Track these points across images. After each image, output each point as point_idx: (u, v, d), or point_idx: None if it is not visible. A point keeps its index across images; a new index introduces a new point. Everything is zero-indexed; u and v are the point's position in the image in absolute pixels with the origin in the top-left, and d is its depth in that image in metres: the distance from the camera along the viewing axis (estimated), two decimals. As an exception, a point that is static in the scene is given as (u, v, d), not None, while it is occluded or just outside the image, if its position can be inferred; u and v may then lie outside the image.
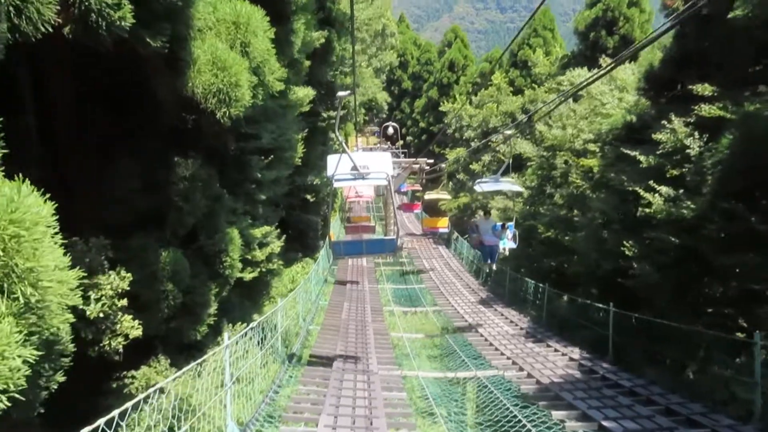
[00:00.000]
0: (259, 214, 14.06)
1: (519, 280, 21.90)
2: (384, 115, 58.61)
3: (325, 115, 26.55)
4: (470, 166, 33.45)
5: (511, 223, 14.87)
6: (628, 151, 13.57)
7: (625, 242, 13.13)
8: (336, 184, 11.01)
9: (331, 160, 10.63)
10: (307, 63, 18.91)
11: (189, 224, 10.41)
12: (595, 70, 20.10)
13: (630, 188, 13.29)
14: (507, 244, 14.58)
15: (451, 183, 29.88)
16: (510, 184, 13.57)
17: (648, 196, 12.31)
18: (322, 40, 17.88)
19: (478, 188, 13.13)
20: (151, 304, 9.96)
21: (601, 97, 17.97)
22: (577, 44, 28.34)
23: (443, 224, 30.86)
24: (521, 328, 17.78)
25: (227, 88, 8.68)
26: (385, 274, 30.07)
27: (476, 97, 35.76)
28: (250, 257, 13.09)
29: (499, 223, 15.10)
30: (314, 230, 29.60)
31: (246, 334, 10.29)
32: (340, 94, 10.23)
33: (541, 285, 18.53)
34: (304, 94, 17.89)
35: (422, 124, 59.43)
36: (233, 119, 9.20)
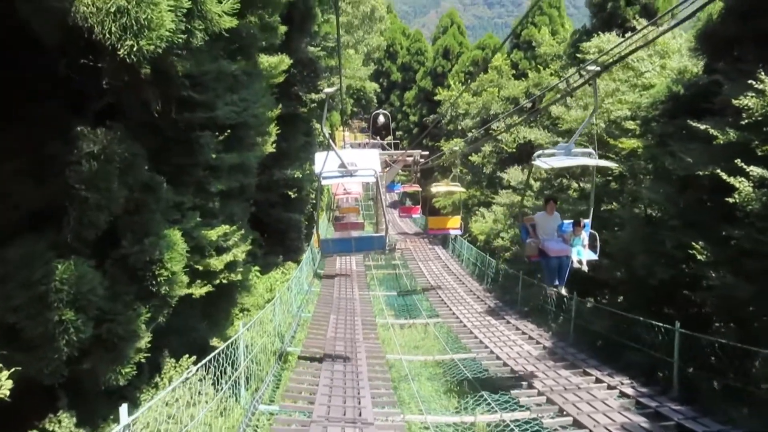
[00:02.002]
0: (216, 210, 10.81)
1: (535, 285, 18.77)
2: (374, 107, 55.21)
3: (306, 98, 23.31)
4: (469, 158, 30.34)
5: (588, 221, 9.72)
6: (697, 125, 10.42)
7: (694, 243, 10.04)
8: (324, 182, 10.83)
9: (319, 157, 10.37)
10: (283, 28, 15.74)
11: (101, 223, 7.18)
12: (630, 35, 17.12)
13: (700, 172, 10.19)
14: (584, 254, 9.53)
15: (459, 171, 25.89)
16: (589, 156, 8.37)
17: (733, 181, 9.20)
18: (298, -4, 14.72)
19: (540, 164, 8.09)
20: (40, 341, 6.85)
21: (638, 65, 14.85)
22: (590, 17, 25.28)
23: (454, 224, 24.21)
24: (544, 347, 14.67)
25: (133, 7, 5.46)
26: (377, 277, 26.88)
27: (474, 84, 32.56)
28: (200, 267, 9.84)
29: (569, 222, 10.12)
30: (297, 230, 26.34)
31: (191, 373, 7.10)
32: (327, 90, 9.61)
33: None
34: (277, 60, 14.67)
35: (413, 117, 56.15)
36: (150, 60, 5.99)
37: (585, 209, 16.04)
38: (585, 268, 9.43)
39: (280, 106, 17.60)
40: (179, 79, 8.15)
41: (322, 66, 24.38)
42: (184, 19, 6.52)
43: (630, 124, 14.36)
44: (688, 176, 10.86)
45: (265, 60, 14.79)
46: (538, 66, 30.07)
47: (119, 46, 5.50)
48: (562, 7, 37.26)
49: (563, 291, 10.02)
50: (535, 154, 8.19)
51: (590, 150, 8.26)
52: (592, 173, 10.16)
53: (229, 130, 10.24)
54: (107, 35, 5.50)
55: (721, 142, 9.76)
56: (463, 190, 24.89)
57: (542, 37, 31.24)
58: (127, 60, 5.56)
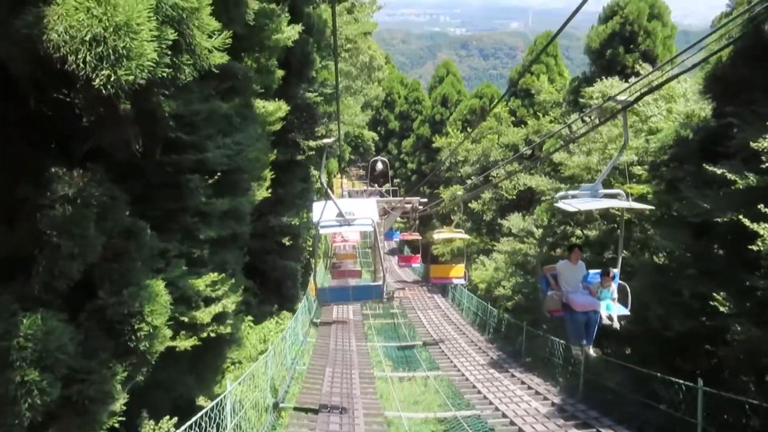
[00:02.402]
0: (205, 258, 10.16)
1: (541, 337, 17.95)
2: (372, 155, 55.17)
3: (304, 145, 22.96)
4: (469, 204, 29.87)
5: (617, 270, 8.58)
6: (713, 168, 9.93)
7: (715, 294, 9.40)
8: (322, 231, 10.77)
9: (317, 206, 10.42)
10: (280, 72, 15.45)
11: (74, 273, 6.54)
12: (636, 79, 16.87)
13: (719, 219, 9.64)
14: (615, 308, 8.44)
15: (459, 218, 25.14)
16: (618, 198, 7.46)
17: (756, 227, 8.63)
18: (296, 36, 14.38)
19: (564, 207, 7.07)
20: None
21: (644, 109, 14.51)
22: (589, 64, 25.23)
23: (458, 273, 22.77)
24: (553, 404, 13.82)
25: (110, 35, 4.99)
26: (375, 327, 25.99)
27: (471, 131, 32.40)
28: (186, 319, 9.14)
29: (595, 272, 8.98)
30: (293, 278, 25.60)
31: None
32: (325, 141, 9.85)
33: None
34: (274, 107, 14.31)
35: (411, 165, 56.11)
36: (131, 95, 5.51)
37: (611, 258, 15.51)
38: (616, 324, 8.40)
39: (276, 151, 17.22)
40: (166, 118, 7.66)
41: (320, 112, 24.14)
42: (170, 52, 6.08)
43: (637, 170, 13.90)
44: (703, 222, 10.31)
45: (262, 105, 14.44)
46: (536, 113, 29.98)
47: (94, 76, 5.00)
48: (559, 56, 37.52)
49: (591, 351, 8.81)
50: (557, 195, 7.41)
51: (619, 191, 7.50)
52: (620, 217, 9.00)
53: (219, 174, 9.70)
54: (81, 65, 5.01)
55: (741, 186, 9.24)
56: (467, 236, 23.92)
57: (541, 84, 31.22)
58: (103, 91, 5.05)
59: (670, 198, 11.82)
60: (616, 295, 8.62)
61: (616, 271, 8.66)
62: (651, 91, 8.49)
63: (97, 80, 5.03)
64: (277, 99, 15.28)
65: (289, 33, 13.87)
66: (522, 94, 35.20)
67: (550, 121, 28.76)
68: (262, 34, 12.31)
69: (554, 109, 29.67)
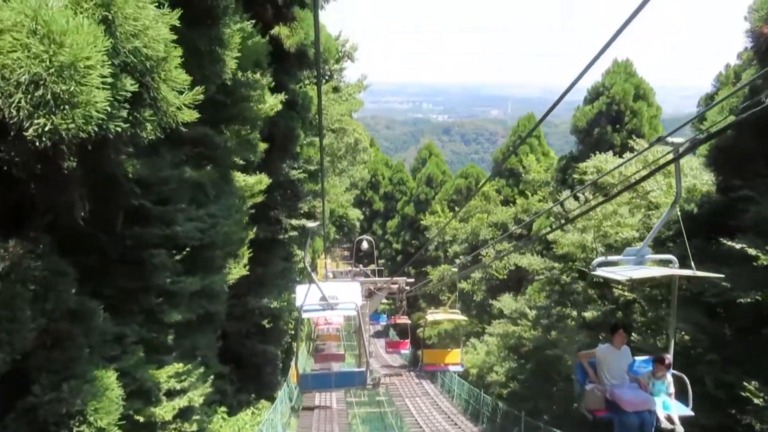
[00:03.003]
0: (170, 344, 8.98)
1: (543, 429, 16.52)
2: (357, 233, 54.49)
3: (286, 223, 22.09)
4: (459, 284, 28.88)
5: (670, 356, 6.90)
6: (732, 243, 9.17)
7: (746, 384, 8.38)
8: (304, 315, 10.55)
9: (300, 289, 10.10)
10: (263, 146, 14.78)
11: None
12: (627, 155, 16.46)
13: (742, 300, 8.77)
14: (674, 407, 6.74)
15: (447, 299, 23.94)
16: (675, 266, 6.45)
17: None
18: (279, 107, 13.80)
19: (604, 275, 5.83)
20: None
21: (643, 184, 13.95)
22: (576, 143, 25.16)
23: (454, 359, 20.51)
24: None
25: (51, 77, 4.16)
26: (360, 416, 24.23)
27: (460, 209, 31.95)
28: (142, 418, 7.86)
29: (644, 358, 7.31)
30: (272, 364, 23.97)
31: None
32: (309, 225, 9.89)
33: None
34: (255, 180, 13.55)
35: (396, 245, 55.44)
36: (78, 151, 4.64)
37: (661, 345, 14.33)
38: (680, 429, 6.60)
39: (257, 228, 16.33)
40: (128, 183, 6.78)
41: (304, 190, 23.49)
42: (128, 106, 5.28)
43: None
44: (721, 302, 9.44)
45: (242, 178, 13.69)
46: (522, 193, 29.77)
47: (27, 124, 4.14)
48: (542, 136, 37.80)
49: None
50: (595, 262, 6.16)
51: (670, 257, 6.38)
52: (673, 290, 7.21)
53: (189, 249, 8.72)
54: (14, 112, 4.15)
55: (765, 262, 8.44)
56: (465, 318, 22.22)
57: (529, 164, 31.15)
58: (37, 143, 4.17)
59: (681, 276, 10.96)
60: (672, 389, 6.99)
61: (668, 356, 7.00)
62: (707, 139, 7.70)
63: (31, 130, 4.16)
64: (258, 172, 14.57)
65: (272, 102, 13.28)
66: (507, 173, 35.16)
67: (539, 200, 28.43)
68: (242, 103, 11.68)
69: (542, 188, 29.44)
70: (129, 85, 5.18)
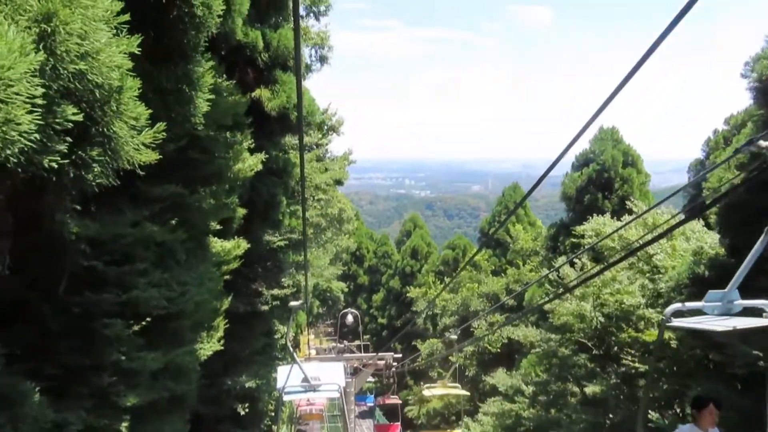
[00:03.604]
0: (123, 433, 7.68)
1: None
2: (342, 306, 52.94)
3: (267, 295, 20.87)
4: (449, 358, 27.47)
5: None
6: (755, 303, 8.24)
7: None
8: (286, 397, 10.79)
9: (281, 371, 10.49)
10: (242, 211, 13.91)
11: None
12: (626, 218, 15.78)
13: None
14: None
15: (437, 374, 22.45)
16: None
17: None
18: (259, 167, 12.97)
19: (684, 326, 4.88)
20: None
21: (646, 248, 13.18)
22: (566, 210, 24.66)
23: None
24: None
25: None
26: None
27: (449, 280, 31.01)
28: None
29: None
30: (250, 451, 22.10)
31: None
32: (292, 304, 9.62)
33: None
34: (232, 245, 12.55)
35: (381, 320, 53.91)
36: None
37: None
38: None
39: (234, 300, 15.17)
40: (74, 241, 5.78)
41: (286, 261, 22.43)
42: (70, 140, 4.40)
43: (648, 313, 12.20)
44: (752, 373, 8.43)
45: (219, 245, 12.69)
46: (510, 262, 29.03)
47: None
48: (528, 206, 37.54)
49: None
50: (668, 310, 4.97)
51: (763, 303, 4.92)
52: None
53: (149, 319, 7.58)
54: None
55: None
56: (466, 392, 20.59)
57: (516, 233, 30.53)
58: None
59: (699, 343, 9.99)
60: None
61: None
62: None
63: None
64: (236, 237, 13.60)
65: (252, 162, 12.46)
66: (493, 244, 34.53)
67: (530, 270, 27.63)
68: (219, 161, 10.85)
69: (531, 257, 28.73)
70: (71, 114, 4.32)
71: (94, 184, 4.68)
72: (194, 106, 6.57)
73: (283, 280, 22.30)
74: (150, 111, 5.12)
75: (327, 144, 27.33)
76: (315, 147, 28.62)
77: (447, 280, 32.16)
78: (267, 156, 15.19)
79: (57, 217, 5.37)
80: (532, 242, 29.24)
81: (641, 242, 12.37)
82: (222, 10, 6.45)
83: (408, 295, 38.91)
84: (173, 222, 8.85)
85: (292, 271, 23.44)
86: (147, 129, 5.22)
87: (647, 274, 13.15)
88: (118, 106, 4.85)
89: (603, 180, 22.89)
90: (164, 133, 5.30)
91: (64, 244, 5.55)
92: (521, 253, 28.81)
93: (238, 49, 13.66)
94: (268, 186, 16.77)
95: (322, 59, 17.14)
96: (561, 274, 16.84)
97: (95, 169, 4.75)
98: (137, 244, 7.37)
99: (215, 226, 12.71)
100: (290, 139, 20.94)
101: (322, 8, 18.60)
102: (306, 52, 17.06)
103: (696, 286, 11.20)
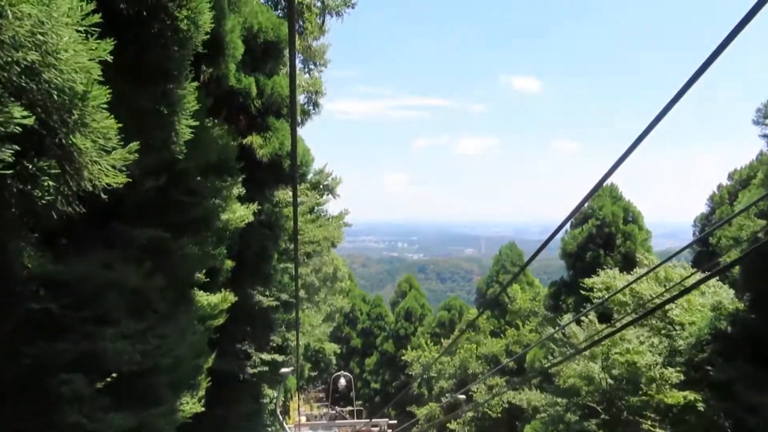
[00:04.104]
0: None
1: None
2: (334, 369, 51.06)
3: (256, 358, 19.71)
4: (448, 425, 25.99)
5: None
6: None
7: None
8: None
9: None
10: (229, 263, 13.10)
11: None
12: (636, 272, 15.04)
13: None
14: None
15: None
16: None
17: None
18: (250, 218, 12.21)
19: None
20: None
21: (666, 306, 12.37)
22: (566, 268, 23.87)
23: None
24: None
25: None
26: None
27: (446, 342, 29.87)
28: None
29: None
30: None
31: None
32: (283, 371, 10.01)
33: None
34: (218, 299, 11.65)
35: (375, 384, 51.94)
36: None
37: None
38: None
39: (221, 362, 14.12)
40: (25, 281, 4.97)
41: (276, 319, 21.36)
42: (17, 147, 3.69)
43: (668, 373, 11.27)
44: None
45: (204, 298, 11.81)
46: (509, 323, 28.04)
47: None
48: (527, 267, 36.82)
49: None
50: None
51: None
52: None
53: (114, 375, 6.64)
54: None
55: None
56: None
57: (514, 293, 29.66)
58: None
59: (729, 406, 9.06)
60: None
61: None
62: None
63: None
64: (223, 289, 12.72)
65: (243, 213, 11.74)
66: (491, 304, 33.55)
67: (530, 330, 26.62)
68: (207, 205, 10.14)
69: (530, 318, 27.77)
70: (19, 116, 3.64)
71: (43, 202, 3.94)
72: (175, 133, 5.91)
73: (273, 338, 21.22)
74: (120, 126, 4.46)
75: (324, 204, 26.72)
76: (311, 212, 28.04)
77: (443, 341, 30.93)
78: (259, 207, 14.59)
79: (9, 247, 4.61)
80: (531, 302, 28.37)
81: (657, 298, 11.59)
82: (210, 28, 5.91)
83: (403, 358, 37.51)
84: (152, 267, 8.04)
85: (283, 332, 22.34)
86: (119, 149, 4.56)
87: (663, 330, 12.29)
88: (82, 116, 4.18)
89: (604, 236, 22.25)
90: (136, 154, 4.61)
91: (13, 281, 4.74)
92: (519, 313, 27.88)
93: (230, 95, 13.22)
94: (259, 238, 16.03)
95: (316, 105, 16.77)
96: (567, 333, 15.92)
97: (45, 184, 4.02)
98: (108, 289, 6.54)
99: (201, 277, 11.91)
100: (283, 196, 20.33)
101: (319, 63, 18.46)
102: (300, 99, 16.70)
103: (719, 342, 10.38)
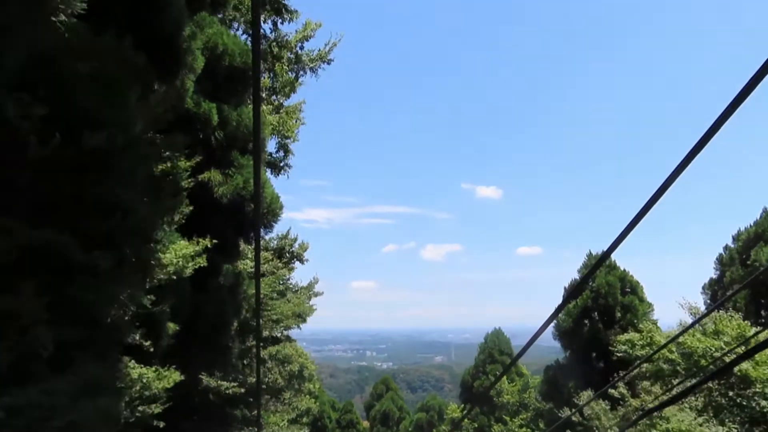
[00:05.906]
0: None
1: None
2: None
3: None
4: None
5: None
6: None
7: None
8: None
9: None
10: (173, 326, 10.44)
11: None
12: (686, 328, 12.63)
13: None
14: None
15: None
16: None
17: None
18: (202, 263, 9.54)
19: None
20: None
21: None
22: (562, 349, 21.33)
23: None
24: None
25: None
26: None
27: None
28: None
29: None
30: None
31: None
32: None
33: None
34: (152, 374, 8.88)
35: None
36: None
37: None
38: None
39: None
40: None
41: (234, 415, 18.10)
42: None
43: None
44: None
45: (136, 370, 9.01)
46: (497, 419, 24.85)
47: None
48: (514, 354, 34.00)
49: None
50: None
51: None
52: None
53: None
54: None
55: None
56: None
57: (500, 386, 26.69)
58: None
59: None
60: None
61: None
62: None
63: None
64: (166, 367, 9.87)
65: (188, 251, 9.14)
66: (476, 398, 30.36)
67: (521, 426, 23.53)
68: (140, 247, 7.62)
69: (521, 412, 24.75)
70: None
71: None
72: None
73: (231, 440, 17.85)
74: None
75: (290, 273, 24.06)
76: (285, 281, 25.32)
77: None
78: (214, 263, 12.05)
79: None
80: (519, 394, 25.48)
81: (724, 354, 9.19)
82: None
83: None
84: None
85: (242, 430, 18.93)
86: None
87: (730, 392, 9.73)
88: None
89: (601, 308, 19.91)
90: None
91: None
92: (507, 407, 24.88)
93: (186, 120, 11.05)
94: (215, 304, 13.31)
95: (286, 152, 14.69)
96: (586, 415, 13.20)
97: None
98: None
99: (135, 338, 9.24)
100: (244, 266, 17.63)
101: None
102: (270, 146, 14.66)
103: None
